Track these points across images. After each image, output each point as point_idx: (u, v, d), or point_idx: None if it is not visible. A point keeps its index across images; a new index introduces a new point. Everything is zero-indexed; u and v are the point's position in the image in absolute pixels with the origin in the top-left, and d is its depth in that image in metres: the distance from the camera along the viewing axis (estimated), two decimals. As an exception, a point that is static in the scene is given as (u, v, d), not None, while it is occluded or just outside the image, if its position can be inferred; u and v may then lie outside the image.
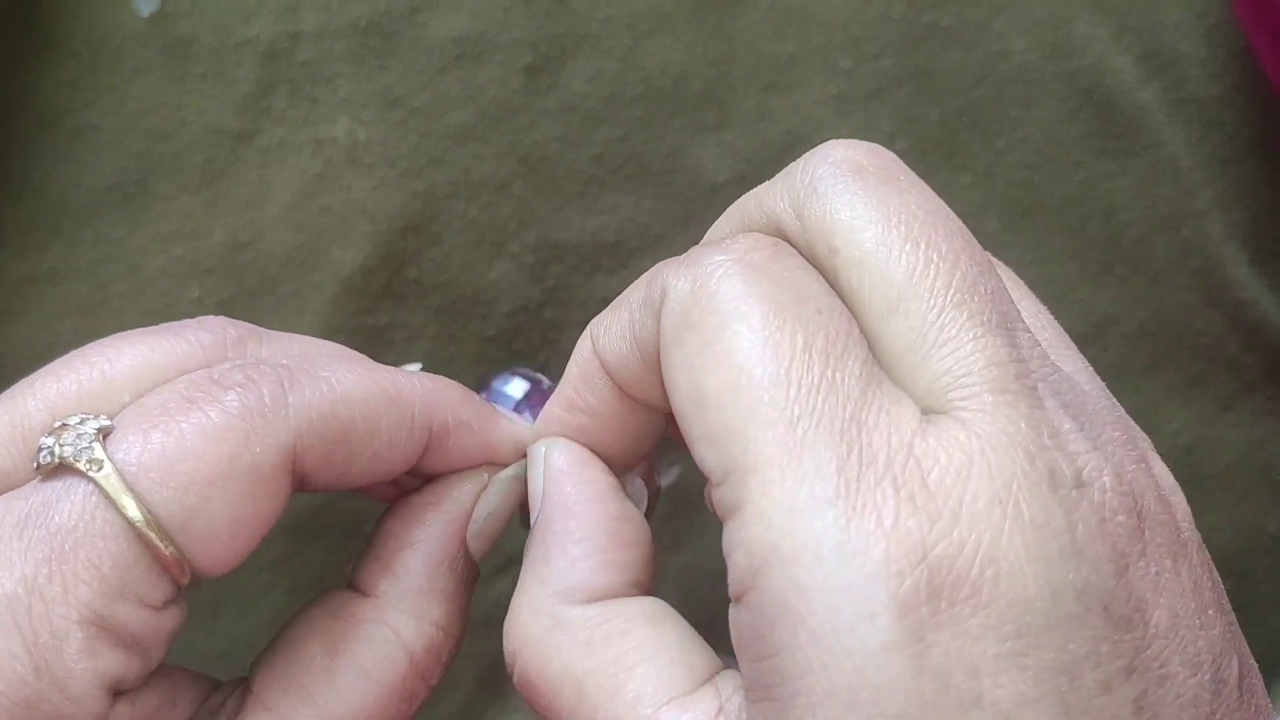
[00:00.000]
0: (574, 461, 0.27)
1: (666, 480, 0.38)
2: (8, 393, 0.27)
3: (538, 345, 0.38)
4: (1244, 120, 0.37)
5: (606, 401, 0.27)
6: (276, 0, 0.35)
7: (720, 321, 0.22)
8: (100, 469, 0.24)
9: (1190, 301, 0.38)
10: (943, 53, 0.37)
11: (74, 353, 0.28)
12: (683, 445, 0.24)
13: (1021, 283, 0.27)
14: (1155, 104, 0.37)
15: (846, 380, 0.21)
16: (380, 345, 0.37)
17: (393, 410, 0.27)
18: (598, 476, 0.27)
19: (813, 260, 0.24)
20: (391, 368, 0.29)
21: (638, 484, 0.29)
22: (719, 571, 0.22)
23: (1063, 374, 0.23)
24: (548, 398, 0.28)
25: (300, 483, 0.27)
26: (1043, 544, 0.20)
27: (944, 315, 0.22)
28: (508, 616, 0.26)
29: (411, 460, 0.28)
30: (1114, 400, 0.24)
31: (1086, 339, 0.29)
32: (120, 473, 0.24)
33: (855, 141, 0.24)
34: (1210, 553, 0.23)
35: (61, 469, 0.25)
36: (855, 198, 0.23)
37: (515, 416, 0.30)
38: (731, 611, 0.22)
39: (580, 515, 0.26)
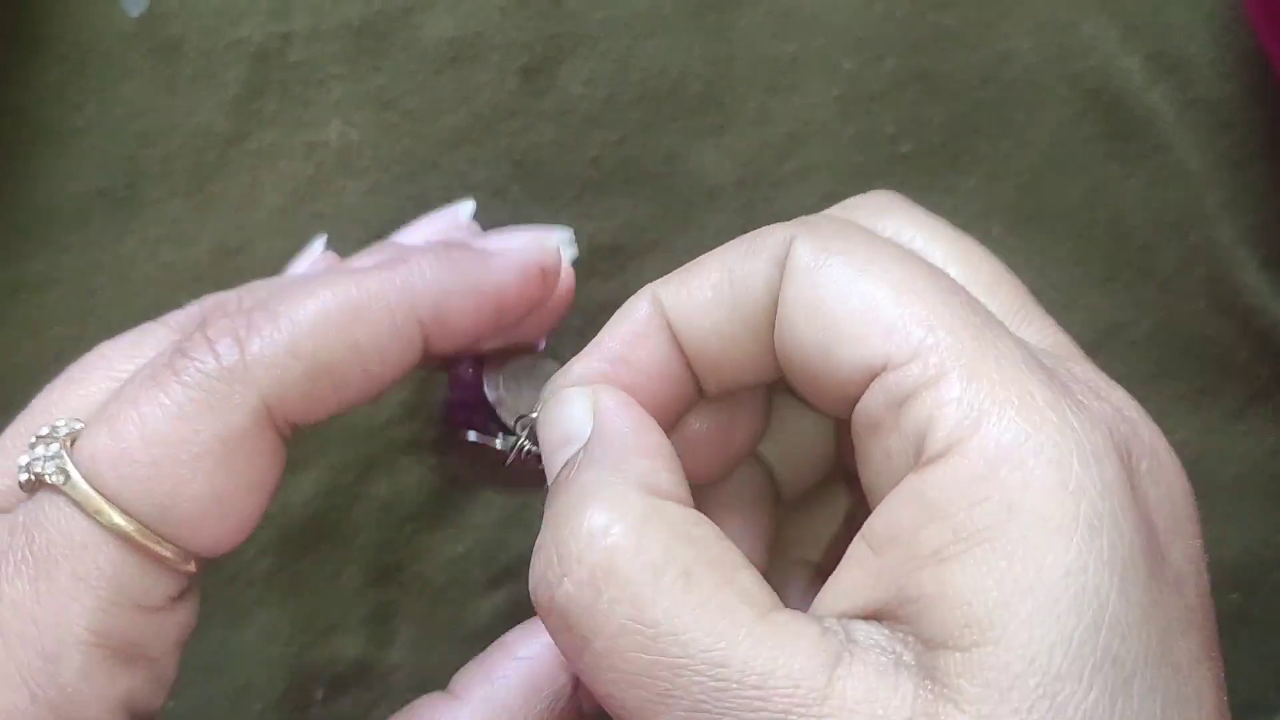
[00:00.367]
0: (626, 400, 0.25)
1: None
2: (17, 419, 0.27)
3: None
4: (1254, 122, 0.37)
5: (657, 361, 0.26)
6: (267, 0, 0.35)
7: (877, 242, 0.24)
8: (67, 479, 0.24)
9: (1199, 308, 0.37)
10: (947, 54, 0.36)
11: (71, 365, 0.27)
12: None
13: (1025, 289, 0.26)
14: (1164, 105, 0.36)
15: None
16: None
17: (365, 322, 0.26)
18: (649, 416, 0.26)
19: None
20: (357, 269, 0.27)
21: None
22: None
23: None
24: None
25: (294, 428, 0.25)
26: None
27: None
28: (564, 515, 0.23)
29: (415, 355, 0.27)
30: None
31: (1093, 346, 0.28)
32: (87, 478, 0.24)
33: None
34: (1217, 565, 0.23)
35: (38, 484, 0.24)
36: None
37: (494, 233, 0.28)
38: (916, 479, 0.22)
39: (654, 430, 0.25)
